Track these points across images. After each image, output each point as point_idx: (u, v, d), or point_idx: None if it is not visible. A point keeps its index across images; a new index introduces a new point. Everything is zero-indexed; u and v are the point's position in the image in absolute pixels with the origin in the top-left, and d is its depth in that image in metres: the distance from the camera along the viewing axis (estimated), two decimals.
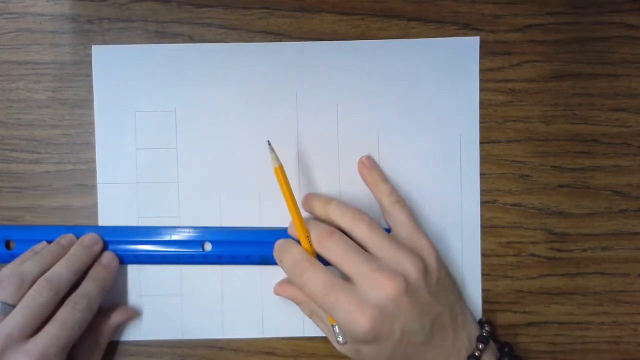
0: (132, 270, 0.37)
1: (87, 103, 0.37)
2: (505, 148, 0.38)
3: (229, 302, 0.37)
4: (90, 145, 0.37)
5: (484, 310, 0.37)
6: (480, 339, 0.33)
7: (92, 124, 0.37)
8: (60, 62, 0.37)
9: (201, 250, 0.37)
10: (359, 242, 0.33)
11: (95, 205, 0.37)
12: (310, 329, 0.37)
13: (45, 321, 0.31)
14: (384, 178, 0.36)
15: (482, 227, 0.37)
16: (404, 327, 0.31)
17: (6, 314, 0.31)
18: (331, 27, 0.37)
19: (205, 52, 0.37)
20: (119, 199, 0.37)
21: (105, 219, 0.37)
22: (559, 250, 0.38)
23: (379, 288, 0.30)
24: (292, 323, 0.37)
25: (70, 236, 0.36)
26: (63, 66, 0.37)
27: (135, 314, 0.37)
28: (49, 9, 0.37)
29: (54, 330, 0.31)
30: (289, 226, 0.35)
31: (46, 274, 0.33)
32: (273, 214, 0.37)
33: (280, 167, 0.34)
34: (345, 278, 0.32)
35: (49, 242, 0.36)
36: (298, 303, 0.35)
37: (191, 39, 0.37)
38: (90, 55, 0.37)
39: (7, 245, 0.37)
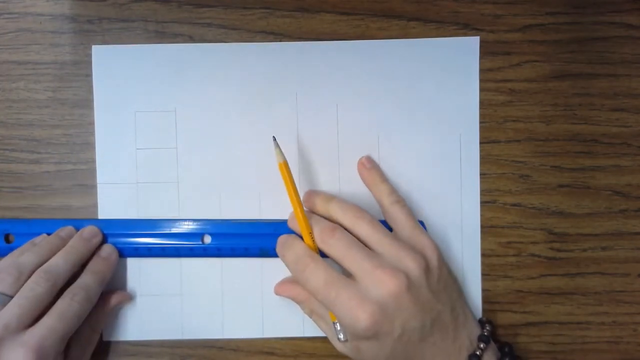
0: (132, 268, 0.37)
1: (87, 103, 0.37)
2: (505, 148, 0.38)
3: (229, 301, 0.37)
4: (90, 145, 0.37)
5: (484, 310, 0.37)
6: (481, 338, 0.33)
7: (92, 124, 0.37)
8: (60, 62, 0.37)
9: (201, 242, 0.37)
10: (361, 240, 0.33)
11: (95, 205, 0.37)
12: (310, 329, 0.37)
13: (43, 312, 0.31)
14: (384, 178, 0.36)
15: (482, 227, 0.37)
16: (405, 325, 0.31)
17: (4, 304, 0.31)
18: (331, 27, 0.37)
19: (205, 52, 0.37)
20: (119, 199, 0.37)
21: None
22: (559, 250, 0.38)
23: (381, 284, 0.30)
24: (292, 323, 0.37)
25: (69, 228, 0.36)
26: (63, 66, 0.37)
27: (129, 297, 0.37)
28: (49, 9, 0.37)
29: (51, 321, 0.31)
30: (289, 218, 0.35)
31: (44, 265, 0.33)
32: (273, 213, 0.37)
33: (285, 162, 0.34)
34: (347, 274, 0.32)
35: (49, 234, 0.36)
36: (299, 302, 0.35)
37: (191, 39, 0.37)
38: (90, 55, 0.37)
39: (7, 238, 0.37)
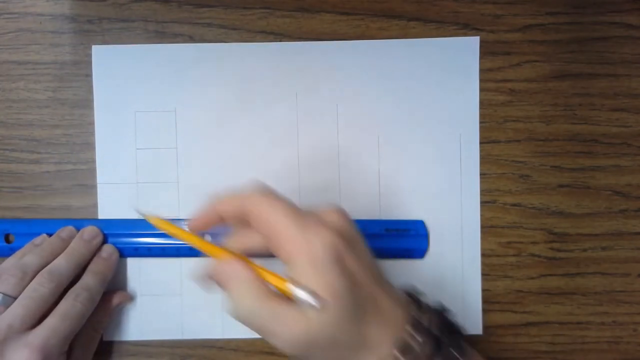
0: (132, 268, 0.37)
1: (87, 103, 0.37)
2: (505, 148, 0.38)
3: None
4: (90, 145, 0.37)
5: (484, 310, 0.37)
6: (412, 323, 0.30)
7: (92, 124, 0.37)
8: (60, 62, 0.37)
9: None
10: (271, 226, 0.29)
11: (95, 206, 0.37)
12: None
13: (46, 313, 0.32)
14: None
15: (482, 227, 0.37)
16: (359, 256, 0.28)
17: (7, 305, 0.31)
18: (331, 27, 0.37)
19: (205, 52, 0.37)
20: (119, 199, 0.37)
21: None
22: (559, 250, 0.38)
23: (320, 232, 0.28)
24: None
25: (70, 228, 0.36)
26: (63, 66, 0.37)
27: (130, 297, 0.37)
28: (49, 9, 0.37)
29: (55, 322, 0.31)
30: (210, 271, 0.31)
31: (48, 267, 0.33)
32: None
33: (156, 218, 0.31)
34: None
35: (49, 235, 0.36)
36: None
37: (191, 39, 0.37)
38: (90, 55, 0.37)
39: (7, 238, 0.37)
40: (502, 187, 0.38)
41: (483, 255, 0.37)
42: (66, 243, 0.35)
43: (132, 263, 0.37)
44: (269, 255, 0.29)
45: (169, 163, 0.37)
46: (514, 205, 0.38)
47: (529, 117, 0.37)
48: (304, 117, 0.37)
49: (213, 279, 0.30)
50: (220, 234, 0.36)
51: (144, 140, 0.37)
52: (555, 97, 0.37)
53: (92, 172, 0.37)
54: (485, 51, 0.37)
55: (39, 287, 0.32)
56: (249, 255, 0.30)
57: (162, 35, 0.37)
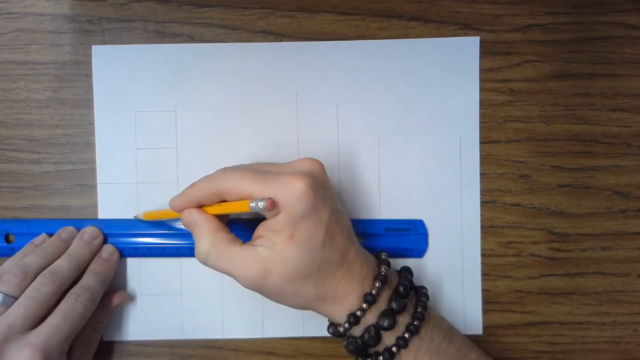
0: (132, 268, 0.37)
1: (87, 103, 0.37)
2: (505, 148, 0.38)
3: (229, 302, 0.37)
4: (90, 145, 0.37)
5: (484, 310, 0.37)
6: (382, 261, 0.32)
7: (92, 124, 0.37)
8: (60, 62, 0.37)
9: None
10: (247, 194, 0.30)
11: (95, 206, 0.37)
12: (310, 329, 0.37)
13: (47, 314, 0.32)
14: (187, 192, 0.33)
15: (482, 227, 0.37)
16: (330, 205, 0.30)
17: (8, 306, 0.31)
18: (331, 27, 0.37)
19: (205, 52, 0.37)
20: (119, 199, 0.37)
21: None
22: (559, 250, 0.38)
23: (292, 183, 0.29)
24: (292, 323, 0.37)
25: (70, 229, 0.36)
26: (63, 66, 0.37)
27: (130, 297, 0.37)
28: (49, 9, 0.37)
29: (56, 321, 0.31)
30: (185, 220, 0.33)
31: (49, 267, 0.33)
32: None
33: (146, 213, 0.36)
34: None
35: (49, 234, 0.36)
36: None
37: (191, 39, 0.37)
38: (90, 55, 0.37)
39: (7, 239, 0.37)
40: (502, 187, 0.38)
41: (483, 255, 0.37)
42: (67, 243, 0.35)
43: (132, 263, 0.37)
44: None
45: (169, 163, 0.37)
46: (514, 205, 0.38)
47: (529, 117, 0.37)
48: (304, 117, 0.37)
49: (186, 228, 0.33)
50: None
51: (144, 140, 0.37)
52: (555, 97, 0.37)
53: (92, 172, 0.37)
54: (485, 51, 0.37)
55: (41, 288, 0.32)
56: None
57: (162, 35, 0.37)
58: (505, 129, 0.38)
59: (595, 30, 0.38)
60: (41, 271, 0.33)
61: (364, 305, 0.30)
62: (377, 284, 0.31)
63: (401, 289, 0.32)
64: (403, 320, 0.31)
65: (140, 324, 0.37)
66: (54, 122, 0.37)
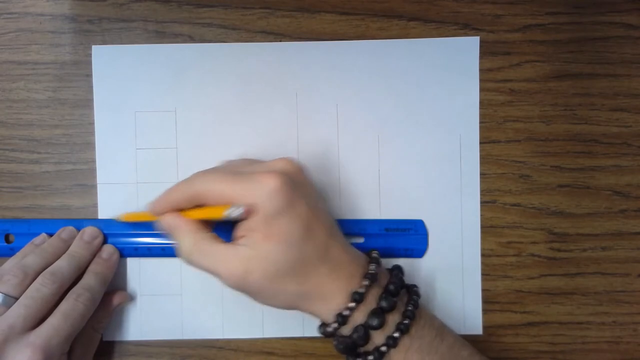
0: (132, 268, 0.37)
1: (87, 103, 0.37)
2: (505, 148, 0.38)
3: (229, 301, 0.37)
4: (90, 145, 0.37)
5: (484, 310, 0.37)
6: (366, 276, 0.31)
7: (92, 124, 0.37)
8: (60, 62, 0.37)
9: None
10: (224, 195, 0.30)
11: (95, 205, 0.37)
12: (310, 329, 0.37)
13: (47, 314, 0.32)
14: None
15: (482, 227, 0.37)
16: (308, 200, 0.30)
17: (8, 306, 0.31)
18: (331, 27, 0.37)
19: (205, 52, 0.37)
20: (119, 199, 0.37)
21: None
22: (559, 250, 0.38)
23: (265, 182, 0.29)
24: (292, 323, 0.37)
25: (70, 229, 0.36)
26: (63, 66, 0.37)
27: (130, 297, 0.37)
28: (49, 9, 0.37)
29: (56, 321, 0.31)
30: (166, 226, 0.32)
31: (50, 268, 0.33)
32: None
33: (126, 215, 0.35)
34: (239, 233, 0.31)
35: (49, 234, 0.36)
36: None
37: (191, 39, 0.37)
38: (90, 55, 0.37)
39: (7, 238, 0.37)
40: (502, 187, 0.38)
41: (483, 255, 0.37)
42: (67, 244, 0.35)
43: (132, 263, 0.37)
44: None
45: (169, 163, 0.37)
46: (514, 205, 0.38)
47: (529, 117, 0.37)
48: (304, 117, 0.37)
49: (166, 233, 0.32)
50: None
51: (144, 140, 0.37)
52: (555, 97, 0.37)
53: (92, 172, 0.37)
54: (485, 51, 0.37)
55: (41, 288, 0.32)
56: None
57: (162, 35, 0.37)
58: (505, 129, 0.38)
59: (595, 30, 0.38)
60: (41, 271, 0.33)
61: (352, 304, 0.30)
62: (365, 282, 0.31)
63: (391, 287, 0.31)
64: (393, 319, 0.31)
65: (140, 324, 0.37)
66: (54, 122, 0.37)
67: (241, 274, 0.29)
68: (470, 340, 0.34)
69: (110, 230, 0.37)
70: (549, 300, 0.38)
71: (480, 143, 0.37)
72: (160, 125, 0.37)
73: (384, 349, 0.30)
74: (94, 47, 0.37)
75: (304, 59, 0.37)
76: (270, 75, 0.37)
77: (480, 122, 0.37)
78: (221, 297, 0.37)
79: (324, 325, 0.32)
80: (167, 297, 0.37)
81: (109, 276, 0.35)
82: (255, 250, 0.29)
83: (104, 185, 0.37)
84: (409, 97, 0.37)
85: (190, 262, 0.31)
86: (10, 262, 0.34)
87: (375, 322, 0.30)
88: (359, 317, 0.30)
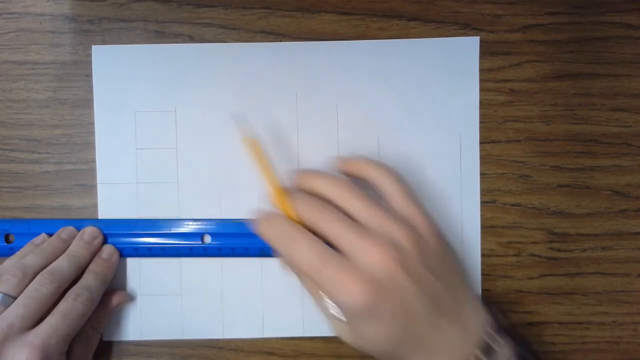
0: (132, 268, 0.37)
1: (87, 103, 0.37)
2: (505, 148, 0.38)
3: (229, 301, 0.37)
4: (90, 145, 0.37)
5: None
6: (495, 329, 0.31)
7: (92, 124, 0.37)
8: (60, 62, 0.37)
9: (201, 242, 0.37)
10: (348, 214, 0.31)
11: (95, 205, 0.37)
12: (310, 329, 0.37)
13: (46, 313, 0.32)
14: (367, 159, 0.34)
15: (482, 227, 0.37)
16: (402, 302, 0.29)
17: (6, 305, 0.31)
18: (331, 27, 0.37)
19: (205, 52, 0.37)
20: (119, 199, 0.37)
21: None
22: (559, 250, 0.38)
23: (368, 255, 0.28)
24: (292, 323, 0.37)
25: (70, 229, 0.36)
26: (63, 66, 0.37)
27: (128, 297, 0.37)
28: (49, 9, 0.37)
29: (55, 321, 0.31)
30: (270, 197, 0.33)
31: (49, 267, 0.33)
32: None
33: (251, 139, 0.33)
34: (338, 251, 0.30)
35: (49, 234, 0.36)
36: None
37: (191, 39, 0.37)
38: (90, 55, 0.37)
39: (7, 239, 0.37)
40: (502, 187, 0.38)
41: (483, 255, 0.37)
42: (66, 243, 0.35)
43: (131, 263, 0.37)
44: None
45: (169, 163, 0.37)
46: (514, 205, 0.38)
47: (529, 117, 0.37)
48: (304, 117, 0.37)
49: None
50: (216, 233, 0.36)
51: (144, 140, 0.37)
52: (555, 97, 0.37)
53: (92, 172, 0.37)
54: (485, 51, 0.37)
55: (40, 287, 0.32)
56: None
57: (162, 35, 0.37)
58: (505, 129, 0.38)
59: (595, 30, 0.38)
60: (41, 271, 0.33)
61: (481, 355, 0.30)
62: (493, 335, 0.30)
63: None
64: None
65: (140, 324, 0.37)
66: (54, 122, 0.37)
67: (365, 305, 0.29)
68: None
69: (110, 231, 0.37)
70: (549, 300, 0.38)
71: (480, 143, 0.37)
72: (160, 125, 0.37)
73: None
74: (94, 47, 0.37)
75: (304, 59, 0.37)
76: (270, 75, 0.37)
77: (480, 122, 0.37)
78: (221, 297, 0.37)
79: None
80: (167, 297, 0.37)
81: (108, 276, 0.35)
82: (350, 332, 0.31)
83: (104, 185, 0.37)
84: (409, 97, 0.37)
85: (321, 276, 0.30)
86: (10, 262, 0.34)
87: None
88: None
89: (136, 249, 0.37)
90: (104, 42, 0.37)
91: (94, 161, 0.37)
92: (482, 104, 0.37)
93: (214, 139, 0.37)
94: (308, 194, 0.32)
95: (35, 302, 0.31)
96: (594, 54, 0.37)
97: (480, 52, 0.37)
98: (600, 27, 0.38)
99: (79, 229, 0.36)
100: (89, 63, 0.37)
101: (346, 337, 0.31)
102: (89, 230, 0.36)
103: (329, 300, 0.31)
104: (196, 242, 0.37)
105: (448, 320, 0.30)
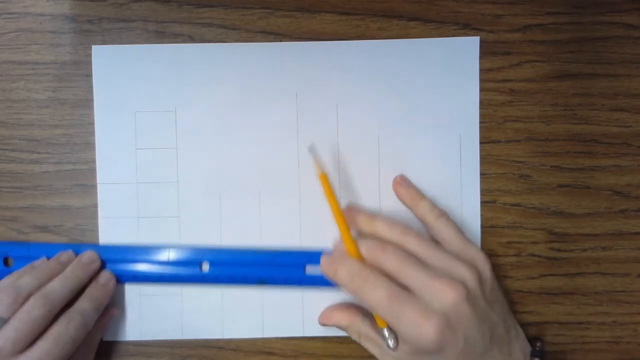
0: None
1: (87, 103, 0.37)
2: (505, 148, 0.38)
3: (229, 302, 0.37)
4: (90, 145, 0.37)
5: None
6: (535, 353, 0.34)
7: (92, 124, 0.37)
8: (60, 62, 0.37)
9: (199, 270, 0.36)
10: (414, 256, 0.33)
11: (95, 205, 0.37)
12: (310, 329, 0.37)
13: (38, 336, 0.31)
14: (422, 195, 0.36)
15: (482, 227, 0.37)
16: (467, 336, 0.31)
17: None
18: (331, 27, 0.37)
19: (205, 52, 0.37)
20: (119, 199, 0.37)
21: (105, 219, 0.37)
22: (559, 250, 0.38)
23: (441, 294, 0.30)
24: (292, 323, 0.37)
25: (69, 253, 0.36)
26: (63, 66, 0.37)
27: (118, 312, 0.37)
28: (49, 9, 0.37)
29: (47, 345, 0.31)
30: (335, 242, 0.35)
31: (42, 289, 0.32)
32: (273, 213, 0.37)
33: (324, 175, 0.34)
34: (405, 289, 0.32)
35: (49, 258, 0.36)
36: (344, 328, 0.35)
37: (191, 39, 0.37)
38: (90, 55, 0.37)
39: (6, 262, 0.37)
40: (502, 187, 0.38)
41: None
42: (64, 266, 0.35)
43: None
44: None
45: (169, 163, 0.37)
46: (514, 205, 0.38)
47: (529, 117, 0.37)
48: (304, 117, 0.37)
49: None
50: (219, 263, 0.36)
51: (144, 140, 0.37)
52: (555, 97, 0.37)
53: (92, 172, 0.37)
54: (485, 51, 0.37)
55: (32, 310, 0.31)
56: None
57: (162, 35, 0.37)
58: (505, 129, 0.38)
59: (595, 30, 0.38)
60: (35, 292, 0.32)
61: None
62: None
63: None
64: None
65: (140, 324, 0.37)
66: (54, 122, 0.37)
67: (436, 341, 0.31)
68: None
69: (109, 256, 0.36)
70: (549, 300, 0.38)
71: (480, 143, 0.37)
72: (160, 125, 0.37)
73: None
74: (94, 47, 0.37)
75: (304, 59, 0.37)
76: (270, 75, 0.37)
77: (480, 122, 0.37)
78: (221, 297, 0.37)
79: None
80: (167, 297, 0.37)
81: (104, 302, 0.35)
82: None
83: (104, 185, 0.37)
84: (409, 97, 0.37)
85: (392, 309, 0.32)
86: (5, 282, 0.33)
87: None
88: None
89: (134, 275, 0.36)
90: (104, 42, 0.37)
91: (94, 161, 0.37)
92: (482, 104, 0.37)
93: (214, 139, 0.37)
94: (371, 237, 0.34)
95: (26, 325, 0.30)
96: (594, 54, 0.37)
97: (480, 52, 0.37)
98: (600, 27, 0.38)
99: (77, 254, 0.36)
100: (89, 63, 0.37)
101: None
102: (88, 254, 0.36)
103: (387, 334, 0.32)
104: (195, 270, 0.36)
105: (499, 349, 0.32)
